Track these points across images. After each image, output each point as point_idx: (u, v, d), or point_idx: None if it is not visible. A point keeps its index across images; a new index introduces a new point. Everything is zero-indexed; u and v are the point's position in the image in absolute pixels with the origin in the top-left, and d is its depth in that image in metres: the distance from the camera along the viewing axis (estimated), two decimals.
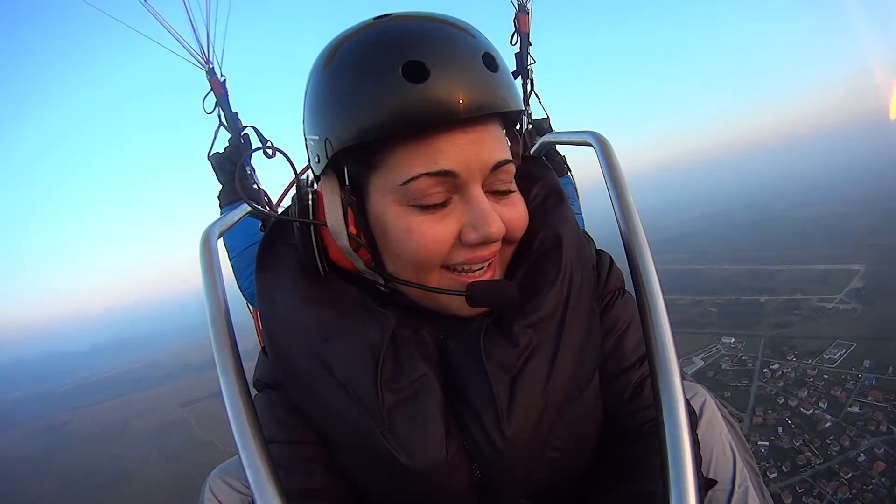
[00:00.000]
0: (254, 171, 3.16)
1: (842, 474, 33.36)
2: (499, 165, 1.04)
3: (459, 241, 1.05)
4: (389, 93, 0.93)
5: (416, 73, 0.93)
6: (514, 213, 1.10)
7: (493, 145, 1.04)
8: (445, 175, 0.99)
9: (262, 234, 1.37)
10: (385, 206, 1.04)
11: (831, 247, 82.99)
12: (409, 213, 1.02)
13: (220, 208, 3.06)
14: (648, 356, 1.00)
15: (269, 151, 2.47)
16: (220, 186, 3.12)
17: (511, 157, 1.08)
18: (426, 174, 0.98)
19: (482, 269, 1.10)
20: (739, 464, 1.43)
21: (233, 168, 3.05)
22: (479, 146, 1.01)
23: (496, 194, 1.08)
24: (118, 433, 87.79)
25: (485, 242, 1.05)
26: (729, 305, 68.03)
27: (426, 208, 1.02)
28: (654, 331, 1.00)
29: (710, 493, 1.37)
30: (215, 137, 3.12)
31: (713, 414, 1.52)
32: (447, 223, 1.03)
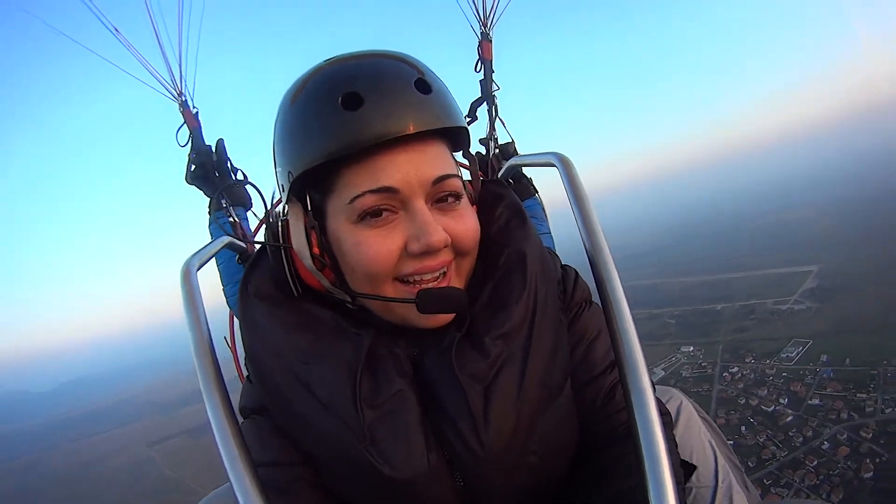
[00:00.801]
0: (230, 205, 3.07)
1: (807, 463, 33.93)
2: (440, 180, 1.11)
3: (406, 252, 1.10)
4: (331, 122, 1.04)
5: (353, 102, 1.03)
6: (461, 224, 1.15)
7: (433, 162, 1.11)
8: (387, 191, 1.07)
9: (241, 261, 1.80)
10: (339, 225, 1.12)
11: (787, 251, 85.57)
12: (358, 229, 1.10)
13: (209, 215, 3.07)
14: (617, 361, 1.03)
15: (240, 176, 2.87)
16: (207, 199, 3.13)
17: (454, 172, 1.14)
18: (369, 191, 1.06)
19: (437, 279, 1.15)
20: (721, 460, 1.50)
21: (205, 171, 3.05)
22: (418, 164, 1.08)
23: (442, 207, 1.14)
24: (90, 473, 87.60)
25: (428, 252, 1.10)
26: (687, 316, 69.66)
27: (373, 223, 1.09)
28: (621, 337, 1.03)
29: (693, 490, 1.47)
30: (189, 163, 3.10)
31: (690, 415, 1.58)
32: (393, 236, 1.10)
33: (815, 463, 33.65)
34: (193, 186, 3.10)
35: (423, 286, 1.13)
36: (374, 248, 1.09)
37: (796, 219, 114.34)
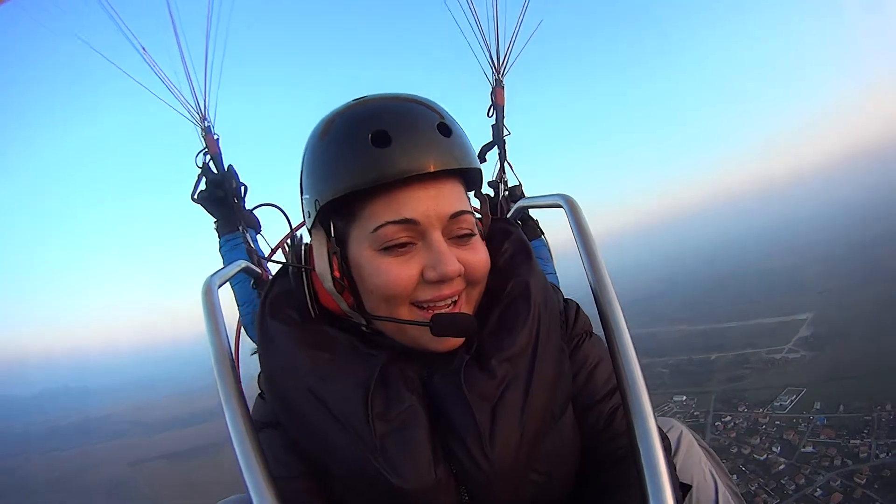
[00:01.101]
0: (245, 229, 3.21)
1: None
2: (456, 215, 1.22)
3: (423, 280, 1.21)
4: (361, 156, 1.14)
5: (382, 139, 1.14)
6: (473, 256, 1.27)
7: (451, 198, 1.23)
8: (408, 223, 1.17)
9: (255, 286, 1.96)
10: (361, 251, 1.22)
11: (781, 298, 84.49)
12: (379, 255, 1.20)
13: (219, 237, 3.24)
14: (620, 386, 1.11)
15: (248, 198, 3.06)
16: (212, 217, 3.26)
17: (468, 209, 1.27)
18: (391, 222, 1.17)
19: (448, 306, 1.25)
20: (722, 488, 1.55)
21: (224, 194, 3.16)
22: (437, 199, 1.19)
23: (457, 241, 1.25)
24: (69, 485, 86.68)
25: (443, 280, 1.20)
26: (680, 365, 68.21)
27: (394, 251, 1.19)
28: (623, 364, 1.11)
29: None
30: (198, 181, 3.21)
31: (690, 444, 1.63)
32: (411, 264, 1.20)
33: None
34: (199, 205, 3.22)
35: (436, 311, 1.22)
36: (394, 273, 1.18)
37: (788, 266, 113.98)
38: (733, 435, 44.01)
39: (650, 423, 1.02)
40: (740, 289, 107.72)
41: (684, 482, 1.47)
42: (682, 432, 1.65)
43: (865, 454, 35.98)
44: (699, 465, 1.57)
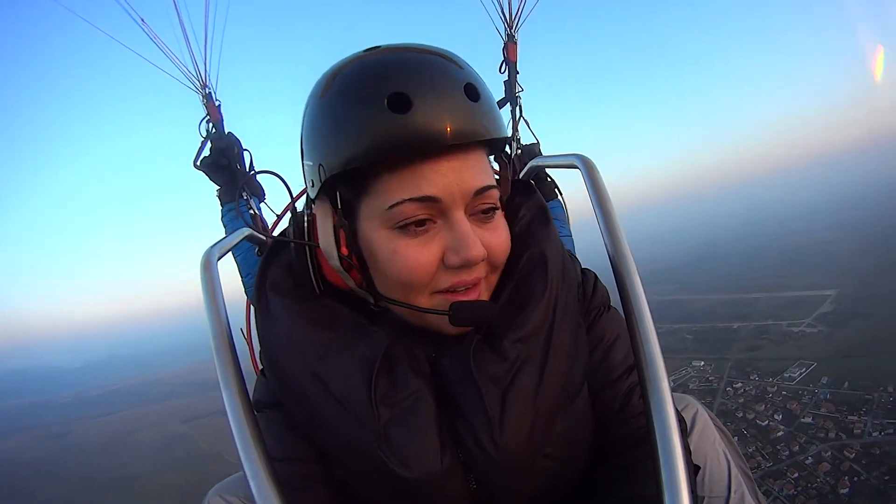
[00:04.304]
0: (250, 196, 3.13)
1: (788, 474, 35.51)
2: (481, 191, 1.07)
3: (443, 265, 1.07)
4: (375, 123, 0.97)
5: (401, 104, 0.96)
6: (496, 238, 1.13)
7: (476, 172, 1.06)
8: (429, 200, 1.02)
9: (260, 253, 1.74)
10: (374, 229, 1.07)
11: (810, 273, 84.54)
12: (395, 236, 1.05)
13: (222, 206, 3.10)
14: (637, 365, 1.02)
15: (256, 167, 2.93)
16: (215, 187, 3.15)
17: (493, 183, 1.11)
18: (410, 199, 1.01)
19: (468, 290, 1.12)
20: (734, 470, 1.46)
21: (228, 161, 3.07)
22: (461, 173, 1.03)
23: (479, 219, 1.11)
24: (122, 444, 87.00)
25: (466, 265, 1.06)
26: (704, 332, 69.93)
27: (412, 232, 1.04)
28: (641, 340, 1.02)
29: (707, 500, 1.43)
30: (202, 147, 3.12)
31: (706, 424, 1.54)
32: (431, 247, 1.05)
33: (796, 475, 34.65)
34: (201, 172, 3.12)
35: (456, 296, 1.10)
36: (413, 259, 1.05)
37: (822, 241, 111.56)
38: (741, 401, 46.42)
39: (667, 405, 0.93)
40: (777, 260, 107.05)
41: (695, 464, 1.37)
42: (697, 411, 1.56)
43: (859, 431, 37.92)
44: (713, 445, 1.50)
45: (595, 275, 1.45)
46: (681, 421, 1.13)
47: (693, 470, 1.23)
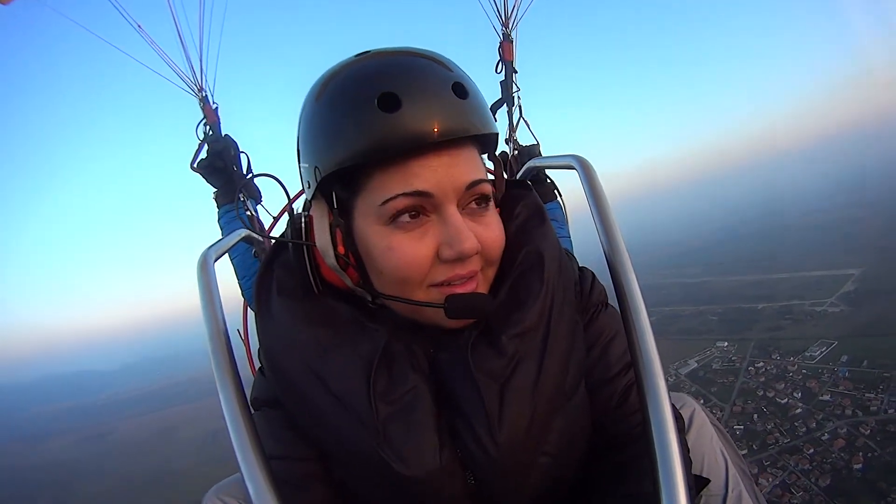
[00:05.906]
0: (247, 199, 3.19)
1: (804, 450, 36.11)
2: (472, 185, 1.09)
3: (438, 259, 1.09)
4: (367, 122, 1.00)
5: (390, 103, 0.99)
6: (489, 232, 1.15)
7: (467, 167, 1.09)
8: (420, 195, 1.04)
9: (257, 255, 1.83)
10: (368, 226, 1.09)
11: (835, 252, 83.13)
12: (389, 232, 1.07)
13: (218, 208, 3.15)
14: (633, 362, 1.03)
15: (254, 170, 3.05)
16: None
17: (484, 178, 1.13)
18: (402, 194, 1.03)
19: (464, 283, 1.14)
20: (732, 469, 1.46)
21: (224, 164, 3.12)
22: (451, 168, 1.06)
23: (473, 214, 1.13)
24: (164, 441, 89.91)
25: (460, 258, 1.08)
26: (729, 313, 69.83)
27: (406, 227, 1.07)
28: (638, 339, 1.03)
29: (703, 497, 1.40)
30: (199, 150, 3.15)
31: (703, 422, 1.54)
32: (425, 241, 1.08)
33: (812, 451, 35.69)
34: (198, 174, 3.15)
35: (452, 289, 1.12)
36: (408, 254, 1.07)
37: (848, 218, 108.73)
38: (762, 380, 47.30)
39: (664, 402, 0.94)
40: (801, 240, 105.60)
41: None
42: (694, 410, 1.56)
43: (875, 408, 38.45)
44: (710, 443, 1.50)
45: (592, 273, 1.47)
46: (678, 418, 1.26)
47: (691, 467, 1.32)
